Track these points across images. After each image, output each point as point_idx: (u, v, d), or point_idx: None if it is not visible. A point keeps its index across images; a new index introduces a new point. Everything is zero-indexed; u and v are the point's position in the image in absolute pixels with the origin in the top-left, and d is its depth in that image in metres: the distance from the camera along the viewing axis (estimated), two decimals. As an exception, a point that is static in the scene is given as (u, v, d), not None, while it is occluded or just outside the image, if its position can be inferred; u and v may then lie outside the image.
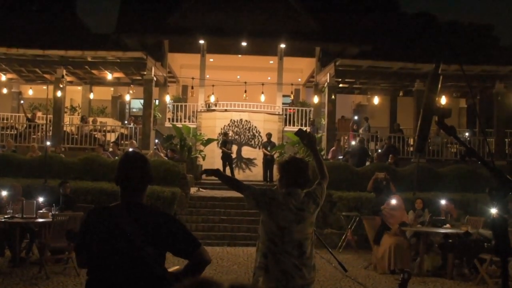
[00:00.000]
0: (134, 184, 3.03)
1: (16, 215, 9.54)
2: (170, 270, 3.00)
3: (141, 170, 3.05)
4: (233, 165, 19.69)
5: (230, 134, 20.47)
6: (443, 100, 18.72)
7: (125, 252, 2.84)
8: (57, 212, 9.70)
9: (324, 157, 17.36)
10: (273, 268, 3.91)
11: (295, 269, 3.90)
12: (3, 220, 9.47)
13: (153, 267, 2.83)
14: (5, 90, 23.83)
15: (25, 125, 20.25)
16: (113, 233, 2.88)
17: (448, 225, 10.63)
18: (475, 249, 9.72)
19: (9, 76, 21.85)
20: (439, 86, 1.87)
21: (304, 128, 5.05)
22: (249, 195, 4.08)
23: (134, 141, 18.56)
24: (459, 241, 10.10)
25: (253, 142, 21.11)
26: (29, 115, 20.58)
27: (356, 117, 23.59)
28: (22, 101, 23.77)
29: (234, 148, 20.47)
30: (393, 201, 10.44)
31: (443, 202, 11.41)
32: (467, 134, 21.43)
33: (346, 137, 20.89)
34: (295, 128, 21.32)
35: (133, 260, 2.84)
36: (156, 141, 19.38)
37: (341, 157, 17.74)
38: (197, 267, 2.99)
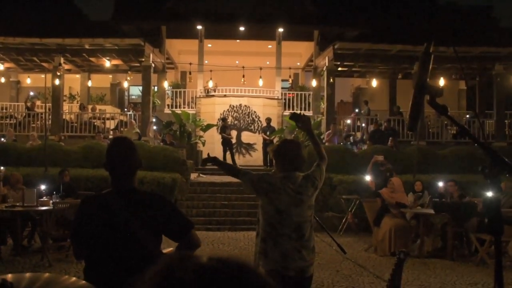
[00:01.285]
0: (124, 169, 3.03)
1: (17, 204, 9.58)
2: (164, 251, 3.02)
3: (129, 155, 3.05)
4: (233, 150, 19.69)
5: (229, 120, 20.45)
6: (442, 82, 18.68)
7: (121, 237, 2.85)
8: (58, 200, 9.72)
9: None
10: (272, 252, 3.93)
11: (294, 251, 3.92)
12: (4, 209, 9.52)
13: (150, 251, 2.85)
14: (3, 79, 23.81)
15: (24, 114, 20.24)
16: (108, 220, 2.88)
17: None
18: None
19: (7, 65, 21.81)
20: (430, 65, 1.86)
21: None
22: (246, 181, 4.10)
23: (133, 121, 18.61)
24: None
25: (252, 127, 21.11)
26: (29, 104, 20.56)
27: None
28: (32, 93, 23.61)
29: (234, 133, 20.48)
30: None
31: (441, 184, 11.42)
32: (467, 116, 21.38)
33: (346, 121, 20.90)
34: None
35: (129, 245, 2.85)
36: (155, 127, 19.39)
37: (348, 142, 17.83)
38: (188, 250, 2.99)
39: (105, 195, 3.01)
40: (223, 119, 20.13)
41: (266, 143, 19.10)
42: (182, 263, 0.89)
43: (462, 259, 9.88)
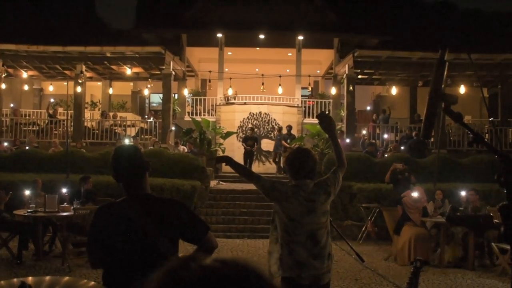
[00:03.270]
0: (131, 175, 3.05)
1: (39, 209, 9.70)
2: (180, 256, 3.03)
3: (133, 161, 3.07)
4: (253, 159, 19.65)
5: (254, 130, 20.27)
6: (462, 89, 18.52)
7: (139, 243, 2.87)
8: (78, 206, 9.83)
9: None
10: (287, 259, 3.93)
11: (308, 259, 3.90)
12: (26, 214, 9.66)
13: (168, 256, 2.87)
14: (26, 87, 24.16)
15: (46, 121, 20.50)
16: (125, 227, 2.90)
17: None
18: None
19: (30, 73, 22.09)
20: (445, 72, 1.87)
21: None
22: (259, 187, 4.11)
23: (154, 138, 18.79)
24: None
25: (272, 134, 21.10)
26: (51, 111, 20.82)
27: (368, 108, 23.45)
28: (52, 100, 23.94)
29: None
30: (415, 194, 10.39)
31: (463, 193, 11.31)
32: (486, 125, 21.14)
33: (366, 129, 20.81)
34: (315, 120, 21.27)
35: (147, 251, 2.87)
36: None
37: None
38: (205, 252, 3.02)
39: (121, 203, 3.04)
40: (251, 129, 20.03)
41: (285, 151, 19.07)
42: (186, 264, 0.91)
43: (483, 269, 9.78)
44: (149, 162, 3.12)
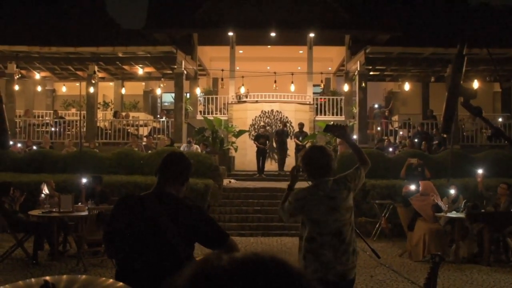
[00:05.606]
0: (165, 176, 3.09)
1: (54, 210, 9.76)
2: (197, 259, 3.03)
3: (174, 165, 3.15)
4: (266, 157, 19.58)
5: (266, 128, 20.19)
6: (476, 84, 18.39)
7: (154, 241, 2.88)
8: (93, 206, 9.87)
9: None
10: (311, 265, 3.92)
11: (334, 258, 3.90)
12: (41, 214, 9.73)
13: (182, 258, 2.87)
14: (39, 88, 24.30)
15: (59, 122, 20.61)
16: (143, 222, 2.91)
17: (483, 211, 10.45)
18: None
19: (43, 74, 22.21)
20: (464, 67, 1.85)
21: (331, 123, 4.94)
22: (284, 217, 4.25)
23: (165, 137, 18.85)
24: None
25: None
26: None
27: (376, 105, 23.35)
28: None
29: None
30: (412, 187, 10.61)
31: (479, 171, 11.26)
32: (500, 119, 20.96)
33: (377, 126, 20.75)
34: (327, 118, 21.28)
35: (162, 250, 2.87)
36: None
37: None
38: None
39: (144, 197, 3.07)
40: (262, 127, 20.00)
41: (299, 149, 19.00)
42: (219, 255, 0.91)
43: (499, 264, 9.70)
44: (188, 176, 3.21)
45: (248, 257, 0.91)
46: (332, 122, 4.41)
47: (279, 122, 20.90)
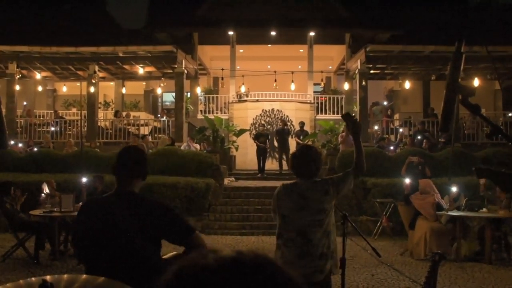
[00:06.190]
0: (125, 175, 3.07)
1: (55, 209, 9.77)
2: (165, 257, 3.03)
3: (134, 160, 3.13)
4: (266, 156, 19.55)
5: (265, 127, 20.18)
6: (476, 82, 18.37)
7: (118, 242, 2.85)
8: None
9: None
10: (277, 260, 3.94)
11: (296, 259, 3.91)
12: (42, 214, 9.74)
13: (147, 256, 2.86)
14: (40, 88, 24.31)
15: (60, 122, 20.63)
16: (106, 223, 2.89)
17: (484, 209, 10.46)
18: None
19: (44, 74, 22.21)
20: (462, 65, 1.85)
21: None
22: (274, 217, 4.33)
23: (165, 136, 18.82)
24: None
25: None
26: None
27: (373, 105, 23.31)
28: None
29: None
30: (407, 180, 10.84)
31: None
32: (501, 118, 20.94)
33: (375, 127, 20.73)
34: (328, 116, 21.27)
35: (126, 249, 2.85)
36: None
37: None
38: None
39: (105, 198, 3.07)
40: (261, 125, 19.98)
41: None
42: (204, 254, 0.92)
43: (500, 262, 9.70)
44: (147, 172, 3.15)
45: (231, 256, 0.92)
46: (354, 115, 4.38)
47: (279, 121, 20.88)
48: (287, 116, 21.05)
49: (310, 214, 3.98)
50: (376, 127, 20.66)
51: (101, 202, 3.06)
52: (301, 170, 4.11)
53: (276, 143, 19.95)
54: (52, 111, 23.35)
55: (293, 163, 4.18)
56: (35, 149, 17.10)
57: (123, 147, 3.33)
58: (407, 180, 11.20)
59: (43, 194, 10.92)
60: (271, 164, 19.79)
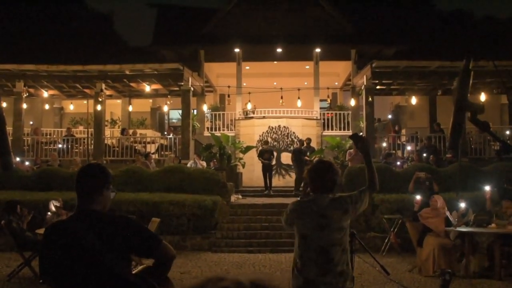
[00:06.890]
0: (83, 192, 3.03)
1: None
2: (135, 271, 3.00)
3: (90, 175, 3.08)
4: (273, 173, 19.45)
5: (269, 143, 20.14)
6: (483, 97, 18.30)
7: (85, 261, 2.80)
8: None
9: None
10: (296, 279, 3.95)
11: (317, 277, 3.87)
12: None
13: (117, 273, 2.81)
14: (47, 106, 24.44)
15: (67, 140, 20.68)
16: (71, 247, 2.83)
17: (493, 225, 10.36)
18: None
19: (51, 92, 22.31)
20: (470, 82, 1.83)
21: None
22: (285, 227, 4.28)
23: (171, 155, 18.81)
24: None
25: (292, 147, 21.01)
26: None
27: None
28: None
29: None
30: (417, 197, 10.73)
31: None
32: (507, 132, 20.79)
33: (382, 143, 20.66)
34: (334, 132, 21.25)
35: (95, 269, 2.80)
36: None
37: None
38: (163, 264, 3.00)
39: (66, 221, 3.04)
40: (265, 142, 19.94)
41: (306, 164, 18.88)
42: (204, 284, 0.90)
43: (510, 278, 9.58)
44: (106, 186, 3.09)
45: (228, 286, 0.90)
46: (361, 134, 4.40)
47: (286, 137, 20.88)
48: (294, 132, 21.05)
49: (330, 234, 3.94)
50: (384, 144, 20.56)
51: (64, 225, 2.99)
52: (324, 185, 4.05)
53: (292, 163, 19.77)
54: (59, 129, 23.44)
55: (310, 178, 4.12)
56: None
57: (82, 166, 3.27)
58: (418, 197, 11.10)
59: (49, 213, 10.91)
60: (277, 181, 19.73)
